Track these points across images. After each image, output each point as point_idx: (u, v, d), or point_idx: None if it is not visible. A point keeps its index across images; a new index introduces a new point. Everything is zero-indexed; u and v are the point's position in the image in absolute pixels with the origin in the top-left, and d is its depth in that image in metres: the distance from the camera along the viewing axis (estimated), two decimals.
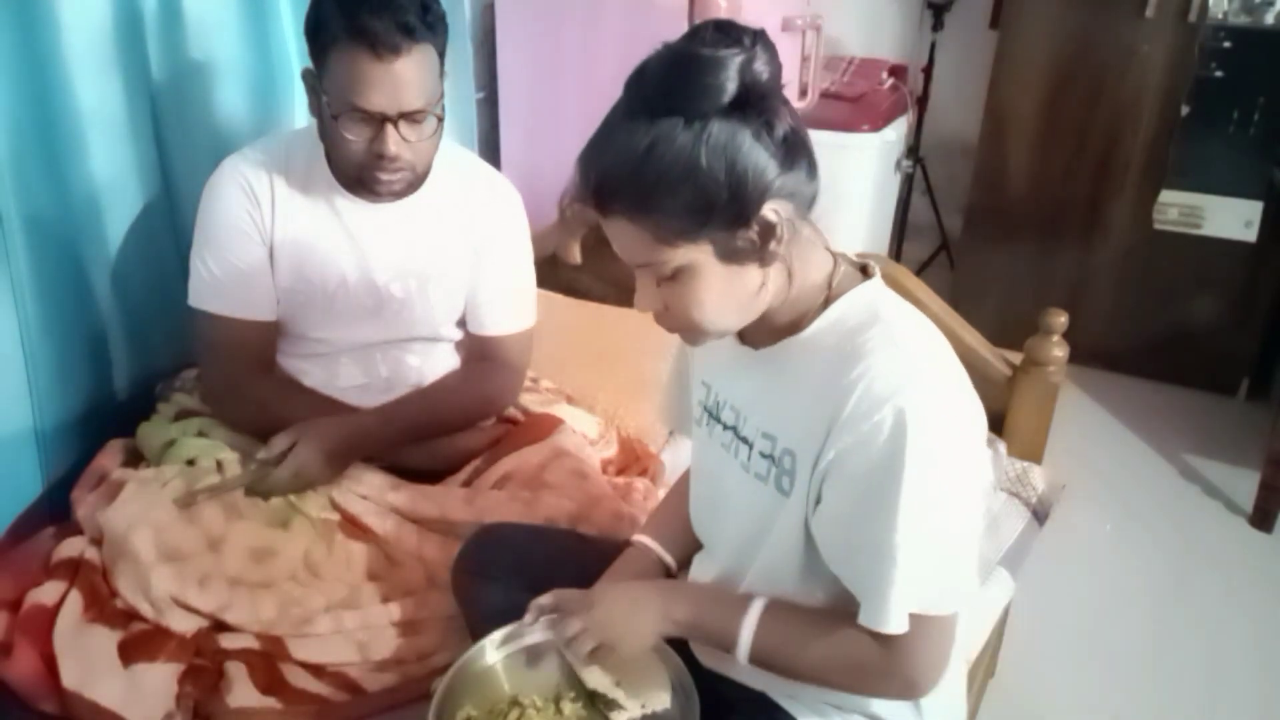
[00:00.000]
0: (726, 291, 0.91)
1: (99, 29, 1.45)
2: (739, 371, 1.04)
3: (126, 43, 1.49)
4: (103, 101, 1.47)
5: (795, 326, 0.97)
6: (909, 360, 0.89)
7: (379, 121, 1.29)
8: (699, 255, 0.88)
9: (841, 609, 0.96)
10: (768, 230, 0.88)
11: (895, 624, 0.89)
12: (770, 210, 0.87)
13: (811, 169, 0.91)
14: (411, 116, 1.30)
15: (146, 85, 1.55)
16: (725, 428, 1.05)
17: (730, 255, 0.89)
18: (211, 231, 1.42)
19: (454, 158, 1.51)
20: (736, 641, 0.98)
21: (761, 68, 0.86)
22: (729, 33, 0.86)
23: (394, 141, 1.30)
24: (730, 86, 0.84)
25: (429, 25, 1.28)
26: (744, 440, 1.02)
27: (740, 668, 1.06)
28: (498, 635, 1.10)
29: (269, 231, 1.43)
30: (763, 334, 1.00)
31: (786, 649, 0.99)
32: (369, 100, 1.27)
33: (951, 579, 0.92)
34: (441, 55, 1.34)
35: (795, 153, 0.88)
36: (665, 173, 0.84)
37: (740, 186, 0.85)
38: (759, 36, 0.87)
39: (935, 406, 0.88)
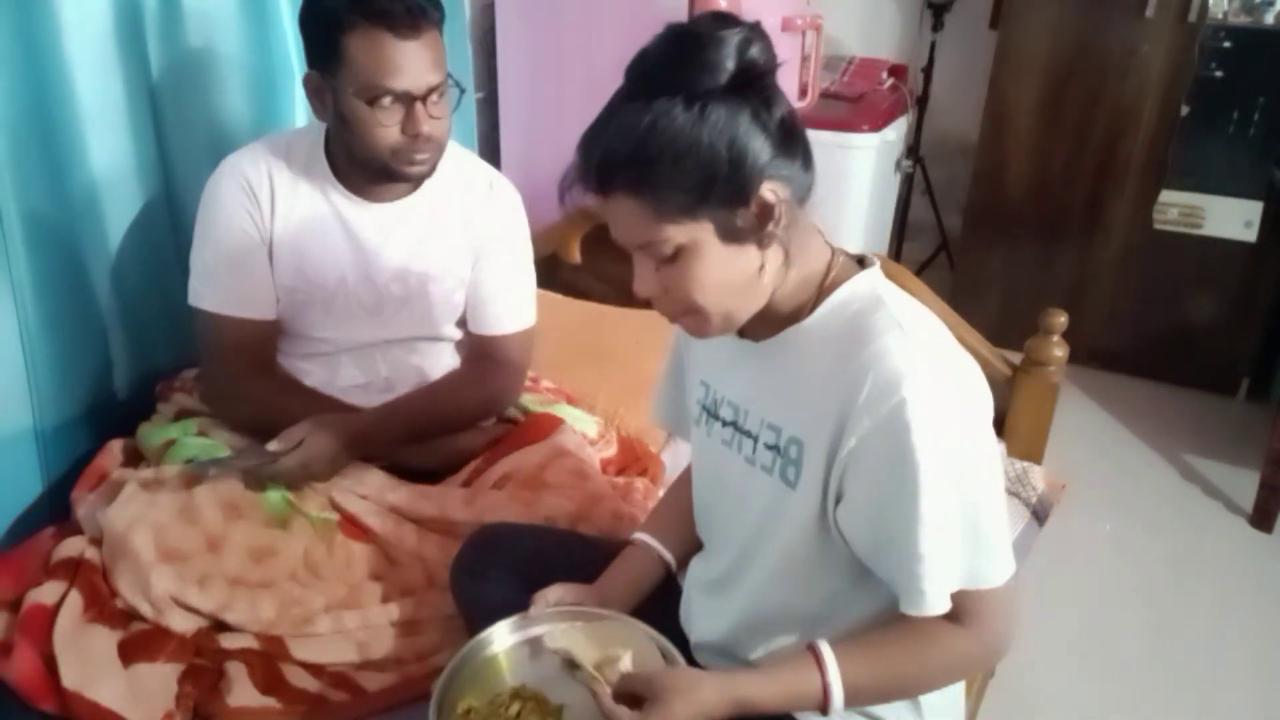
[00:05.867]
0: (726, 272, 0.92)
1: (99, 27, 1.45)
2: (739, 366, 1.04)
3: (126, 41, 1.50)
4: (102, 100, 1.47)
5: (795, 316, 0.98)
6: (918, 342, 0.90)
7: (408, 101, 1.31)
8: (699, 233, 0.89)
9: (887, 615, 0.97)
10: (766, 211, 0.89)
11: (937, 604, 0.91)
12: (769, 191, 0.89)
13: (807, 159, 0.93)
14: (435, 92, 1.33)
15: (146, 84, 1.56)
16: (724, 424, 1.06)
17: (730, 235, 0.90)
18: (211, 230, 1.42)
19: (454, 157, 1.51)
20: (829, 692, 0.93)
21: (759, 52, 0.87)
22: (726, 19, 0.88)
23: (425, 120, 1.32)
24: (729, 64, 0.85)
25: (435, 5, 1.32)
26: (746, 434, 1.03)
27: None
28: (501, 626, 1.10)
29: (269, 230, 1.43)
30: (762, 325, 1.00)
31: (879, 675, 0.95)
32: (397, 80, 1.29)
33: (990, 550, 0.92)
34: (442, 39, 1.36)
35: (792, 139, 0.90)
36: (666, 148, 0.85)
37: (739, 164, 0.87)
38: (756, 26, 0.89)
39: (948, 388, 0.89)
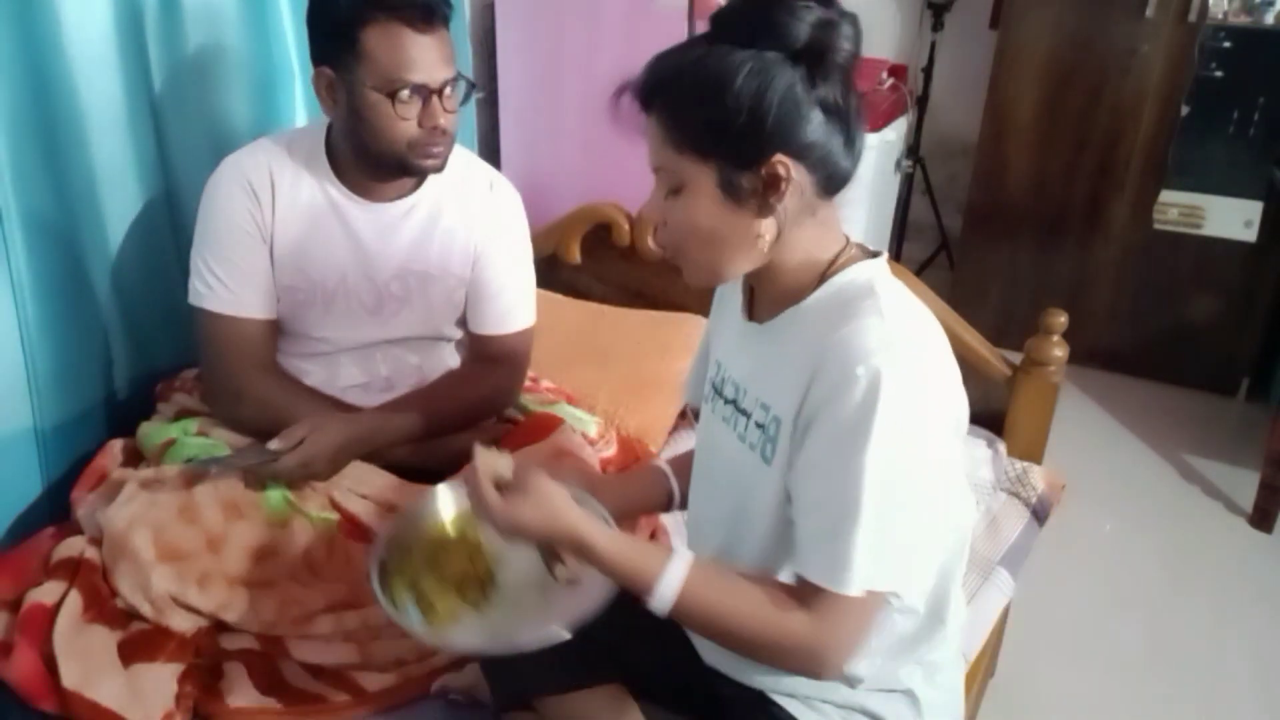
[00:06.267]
0: (716, 224, 0.93)
1: (99, 27, 1.45)
2: (745, 346, 1.06)
3: (126, 41, 1.49)
4: (103, 99, 1.47)
5: (796, 298, 0.99)
6: (893, 331, 0.90)
7: (425, 95, 1.32)
8: (701, 176, 0.91)
9: (774, 576, 0.97)
10: (773, 182, 0.90)
11: (853, 585, 0.87)
12: (780, 163, 0.90)
13: (849, 151, 0.94)
14: (449, 86, 1.34)
15: (146, 83, 1.56)
16: (726, 401, 1.07)
17: (729, 190, 0.91)
18: (212, 231, 1.42)
19: (455, 157, 1.51)
20: (656, 586, 0.92)
21: (840, 40, 0.90)
22: (826, 0, 0.90)
23: (443, 114, 1.35)
24: (795, 33, 0.87)
25: (447, 2, 1.34)
26: (743, 412, 1.04)
27: (739, 664, 1.06)
28: (445, 489, 1.12)
29: (269, 230, 1.43)
30: (768, 306, 1.02)
31: (712, 600, 0.93)
32: (416, 73, 1.31)
33: (904, 556, 0.90)
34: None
35: (833, 125, 0.91)
36: (700, 80, 0.89)
37: (758, 123, 0.88)
38: (849, 16, 0.91)
39: (913, 376, 0.88)
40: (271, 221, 1.43)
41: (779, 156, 0.89)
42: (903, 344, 0.90)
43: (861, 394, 0.87)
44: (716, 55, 0.88)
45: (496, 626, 1.03)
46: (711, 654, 1.12)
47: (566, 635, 0.96)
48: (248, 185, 1.41)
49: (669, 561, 0.92)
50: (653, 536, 1.46)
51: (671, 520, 1.52)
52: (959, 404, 0.95)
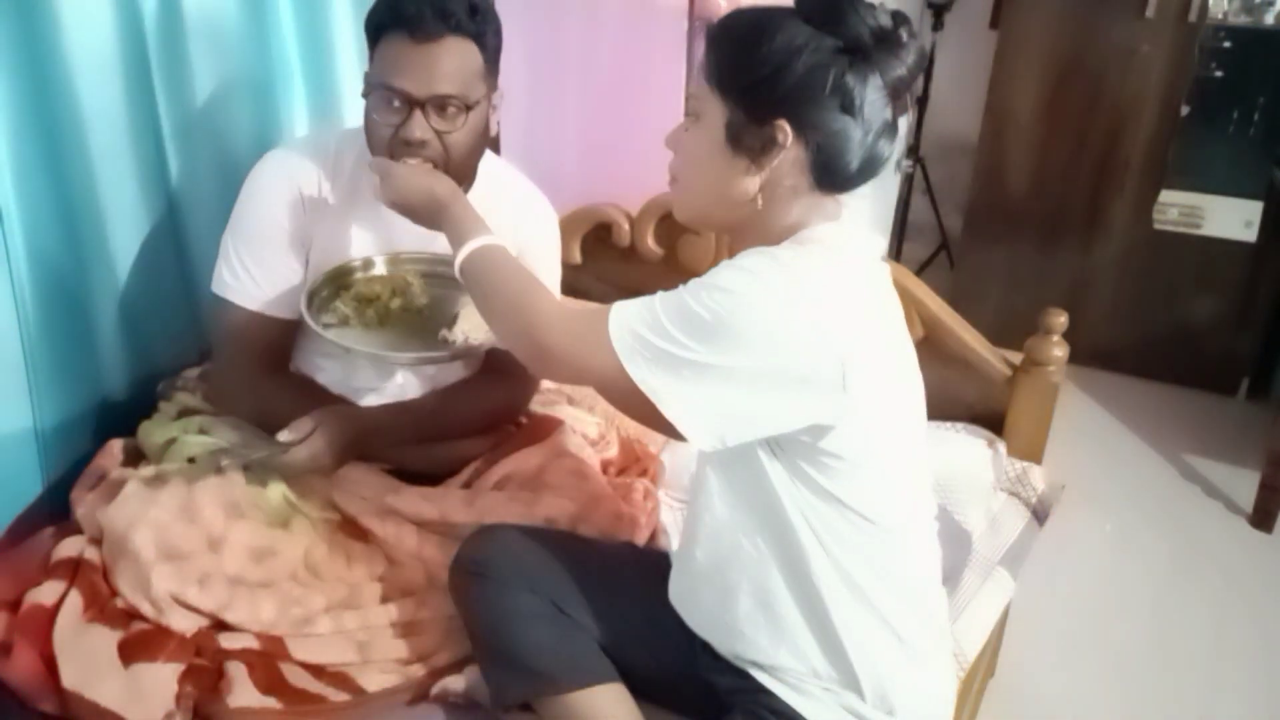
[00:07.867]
0: (710, 162, 0.99)
1: (101, 30, 1.45)
2: None
3: (127, 42, 1.49)
4: (103, 100, 1.47)
5: None
6: (803, 264, 0.94)
7: (408, 106, 1.28)
8: (715, 112, 0.98)
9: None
10: (769, 143, 0.95)
11: (615, 324, 0.96)
12: (782, 129, 0.94)
13: (858, 155, 0.97)
14: (441, 104, 1.29)
15: (147, 83, 1.55)
16: None
17: (732, 134, 0.97)
18: (253, 227, 1.41)
19: (493, 171, 1.50)
20: (467, 242, 1.13)
21: (892, 58, 0.94)
22: (907, 24, 0.97)
23: (419, 126, 1.28)
24: (853, 28, 0.92)
25: (474, 21, 1.28)
26: None
27: (722, 633, 1.09)
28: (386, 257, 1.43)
29: (310, 237, 1.42)
30: None
31: (506, 271, 1.11)
32: (398, 80, 1.27)
33: (656, 357, 0.94)
34: (489, 61, 1.33)
35: (851, 124, 0.94)
36: (750, 27, 0.96)
37: (776, 82, 0.93)
38: (920, 49, 0.96)
39: (777, 275, 0.92)
40: (313, 228, 1.42)
41: (782, 122, 0.94)
42: (793, 268, 0.93)
43: (728, 262, 0.96)
44: (780, 17, 0.93)
45: (370, 339, 1.36)
46: (702, 626, 1.13)
47: (404, 361, 1.40)
48: (296, 190, 1.40)
49: (482, 236, 1.14)
50: (653, 538, 1.47)
51: (672, 521, 1.52)
52: (827, 330, 0.95)
